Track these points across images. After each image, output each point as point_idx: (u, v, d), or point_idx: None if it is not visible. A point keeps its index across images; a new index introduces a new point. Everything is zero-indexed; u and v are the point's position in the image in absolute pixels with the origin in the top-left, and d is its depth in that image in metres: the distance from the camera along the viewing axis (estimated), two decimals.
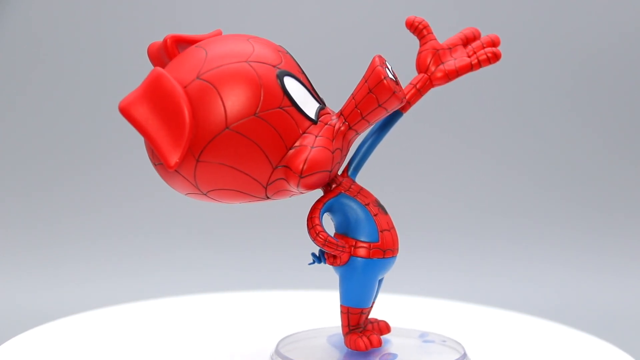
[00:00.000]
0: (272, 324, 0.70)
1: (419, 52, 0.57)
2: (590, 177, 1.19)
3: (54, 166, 1.14)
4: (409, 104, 0.56)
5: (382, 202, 0.56)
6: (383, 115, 0.53)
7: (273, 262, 1.13)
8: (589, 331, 0.73)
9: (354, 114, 0.53)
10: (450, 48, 0.58)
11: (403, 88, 0.54)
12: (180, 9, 1.16)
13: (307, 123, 0.52)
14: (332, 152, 0.52)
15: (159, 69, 0.51)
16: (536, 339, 0.70)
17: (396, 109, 0.53)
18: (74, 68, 1.15)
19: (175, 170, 0.52)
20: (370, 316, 0.59)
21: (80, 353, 0.62)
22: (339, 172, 0.56)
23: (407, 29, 0.57)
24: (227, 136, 0.51)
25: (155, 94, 0.51)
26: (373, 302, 0.57)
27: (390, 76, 0.52)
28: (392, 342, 0.60)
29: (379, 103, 0.52)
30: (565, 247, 1.16)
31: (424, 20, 0.57)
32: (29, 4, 1.14)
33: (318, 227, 0.53)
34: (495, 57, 0.57)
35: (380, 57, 0.53)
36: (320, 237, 0.53)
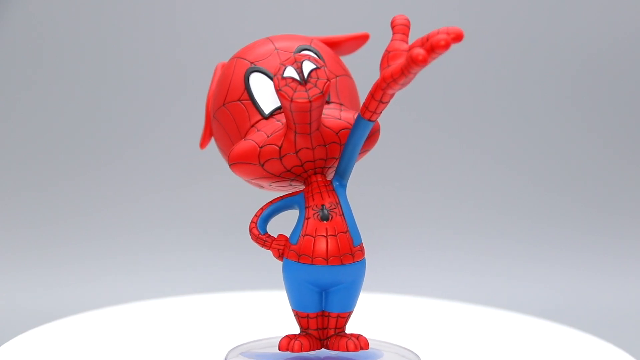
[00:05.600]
0: (240, 327, 0.69)
1: None
2: (590, 177, 1.19)
3: (54, 166, 1.14)
4: (366, 109, 0.50)
5: (329, 209, 0.53)
6: (293, 116, 0.50)
7: (268, 261, 1.13)
8: (589, 331, 0.73)
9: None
10: (410, 49, 0.47)
11: (320, 90, 0.49)
12: (181, 9, 1.16)
13: (258, 117, 0.54)
14: (261, 147, 0.52)
15: (220, 63, 0.59)
16: (536, 339, 0.70)
17: (297, 110, 0.50)
18: (74, 68, 1.15)
19: None
20: (355, 331, 0.55)
21: (80, 353, 0.62)
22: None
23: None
24: (214, 123, 0.57)
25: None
26: (332, 314, 0.54)
27: (292, 75, 0.50)
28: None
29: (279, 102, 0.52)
30: (566, 247, 1.16)
31: (400, 18, 0.51)
32: (28, 4, 1.14)
33: (253, 218, 0.55)
34: (413, 60, 0.45)
35: (297, 55, 0.51)
36: (250, 226, 0.55)
